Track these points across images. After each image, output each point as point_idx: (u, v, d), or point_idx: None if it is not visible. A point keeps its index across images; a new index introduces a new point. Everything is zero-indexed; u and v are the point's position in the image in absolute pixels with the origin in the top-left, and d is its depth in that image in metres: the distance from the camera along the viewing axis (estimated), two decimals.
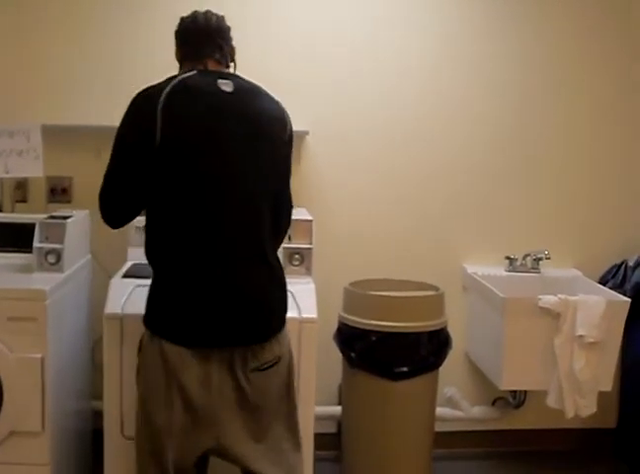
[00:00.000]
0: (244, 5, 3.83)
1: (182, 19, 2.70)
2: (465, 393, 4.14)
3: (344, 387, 3.66)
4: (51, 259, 3.27)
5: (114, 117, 3.63)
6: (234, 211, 2.46)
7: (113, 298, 3.04)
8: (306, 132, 3.81)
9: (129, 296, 3.04)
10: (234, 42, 2.70)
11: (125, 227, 3.62)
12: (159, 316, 2.51)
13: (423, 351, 3.42)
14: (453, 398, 4.05)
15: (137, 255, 3.44)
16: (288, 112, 2.62)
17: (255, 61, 3.65)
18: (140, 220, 3.50)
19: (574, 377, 3.54)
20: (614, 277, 4.07)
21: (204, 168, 2.43)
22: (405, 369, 3.36)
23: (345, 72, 3.95)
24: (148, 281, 3.09)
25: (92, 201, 3.63)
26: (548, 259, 3.96)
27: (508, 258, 4.03)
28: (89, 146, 3.78)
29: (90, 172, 3.72)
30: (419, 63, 3.99)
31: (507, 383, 3.64)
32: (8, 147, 3.58)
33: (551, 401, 3.59)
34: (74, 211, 3.53)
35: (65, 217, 3.37)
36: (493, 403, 4.19)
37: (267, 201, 2.53)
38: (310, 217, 3.47)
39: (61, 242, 3.28)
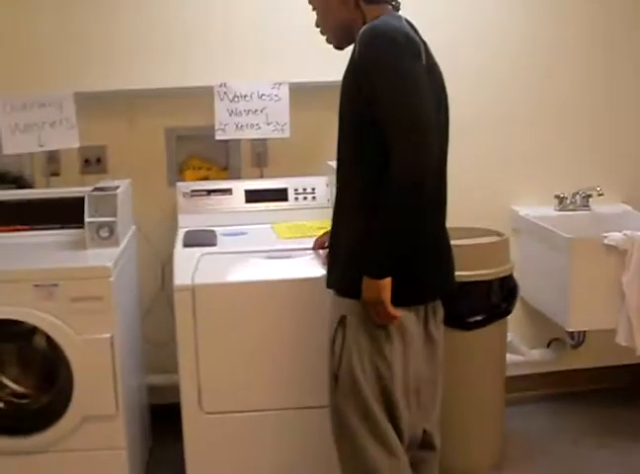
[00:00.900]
0: None
1: None
2: (520, 337, 4.06)
3: None
4: (104, 233, 3.12)
5: (147, 80, 3.55)
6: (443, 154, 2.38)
7: (180, 269, 2.90)
8: None
9: (197, 266, 2.89)
10: None
11: (173, 193, 3.56)
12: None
13: (494, 298, 3.32)
14: (513, 342, 3.96)
15: (187, 222, 3.33)
16: None
17: None
18: (187, 185, 3.42)
19: None
20: None
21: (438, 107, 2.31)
22: (479, 318, 3.26)
23: None
24: (212, 249, 3.01)
25: (129, 170, 3.55)
26: (601, 195, 3.84)
27: (557, 197, 3.92)
28: (121, 112, 3.62)
29: (124, 139, 3.63)
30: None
31: (574, 324, 3.56)
32: (40, 119, 3.41)
33: (620, 339, 3.50)
34: (116, 181, 3.36)
35: (114, 188, 3.20)
36: (548, 345, 4.11)
37: None
38: None
39: (114, 214, 3.13)
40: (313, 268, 2.85)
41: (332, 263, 2.46)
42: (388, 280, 2.24)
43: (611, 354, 3.88)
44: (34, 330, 2.96)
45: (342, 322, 2.35)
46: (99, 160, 3.66)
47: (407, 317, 2.33)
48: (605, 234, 3.44)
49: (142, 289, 3.64)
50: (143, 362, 3.57)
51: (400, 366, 2.35)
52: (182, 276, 2.85)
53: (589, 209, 3.92)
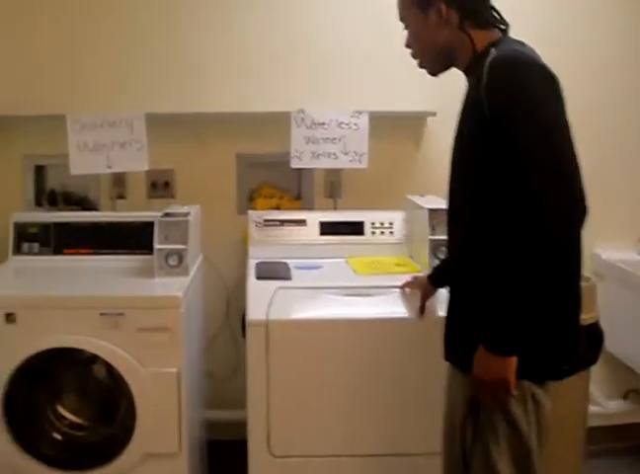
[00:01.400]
0: None
1: None
2: (596, 386, 3.85)
3: None
4: (173, 261, 2.98)
5: (220, 103, 3.42)
6: None
7: (254, 302, 2.73)
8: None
9: (272, 300, 2.73)
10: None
11: (242, 221, 3.42)
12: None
13: (581, 346, 3.12)
14: (592, 393, 3.75)
15: (259, 252, 3.19)
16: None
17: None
18: (259, 214, 3.28)
19: None
20: None
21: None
22: (567, 367, 3.06)
23: None
24: (288, 283, 2.85)
25: (196, 195, 3.42)
26: None
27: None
28: (191, 136, 3.50)
29: (193, 163, 3.52)
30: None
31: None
32: (109, 139, 3.29)
33: None
34: (185, 207, 3.22)
35: (184, 214, 3.06)
36: (625, 396, 3.90)
37: None
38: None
39: (184, 242, 2.99)
40: (395, 307, 2.70)
41: (452, 331, 2.20)
42: (515, 358, 1.95)
43: None
44: (94, 358, 2.83)
45: (473, 404, 2.08)
46: (166, 184, 3.54)
47: (544, 396, 2.09)
48: None
49: (208, 321, 3.49)
50: (204, 397, 3.40)
51: (536, 447, 2.09)
52: (256, 310, 2.69)
53: None
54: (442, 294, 2.56)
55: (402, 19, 2.22)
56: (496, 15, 2.14)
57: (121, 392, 2.81)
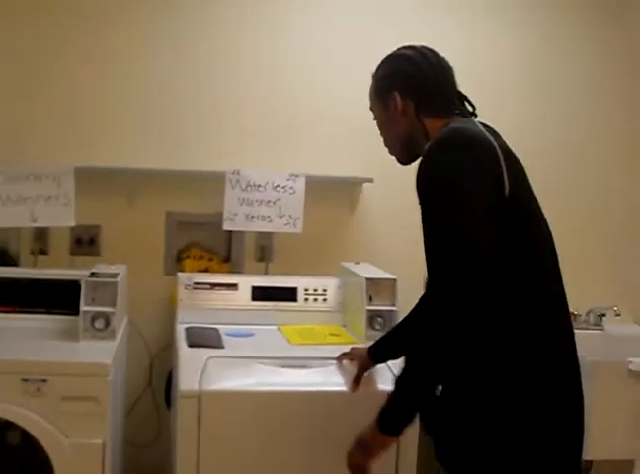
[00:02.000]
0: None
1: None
2: None
3: None
4: (99, 324, 2.85)
5: (149, 159, 3.31)
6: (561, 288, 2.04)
7: (186, 372, 2.61)
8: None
9: (204, 370, 2.61)
10: None
11: (168, 283, 3.31)
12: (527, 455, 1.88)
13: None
14: None
15: (188, 317, 3.07)
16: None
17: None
18: (189, 277, 3.17)
19: None
20: None
21: (542, 230, 2.00)
22: None
23: None
24: (221, 352, 2.74)
25: (122, 254, 3.30)
26: (618, 316, 3.66)
27: (571, 313, 3.72)
28: (120, 192, 3.37)
29: (121, 221, 3.39)
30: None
31: (593, 453, 3.32)
32: (35, 192, 3.15)
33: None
34: (112, 266, 3.09)
35: (113, 275, 2.93)
36: None
37: None
38: (394, 276, 3.09)
39: (112, 305, 2.86)
40: (332, 379, 2.60)
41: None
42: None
43: None
44: (8, 424, 2.67)
45: None
46: (92, 241, 3.40)
47: None
48: (631, 359, 3.25)
49: (128, 386, 3.34)
50: (123, 466, 3.24)
51: None
52: (188, 380, 2.56)
53: (602, 329, 3.73)
54: (381, 368, 2.51)
55: (371, 108, 2.23)
56: (457, 101, 2.13)
57: (40, 464, 2.65)
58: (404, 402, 1.90)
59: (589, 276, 3.81)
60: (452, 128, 1.96)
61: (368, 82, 2.20)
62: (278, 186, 3.29)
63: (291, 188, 3.29)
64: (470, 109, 2.15)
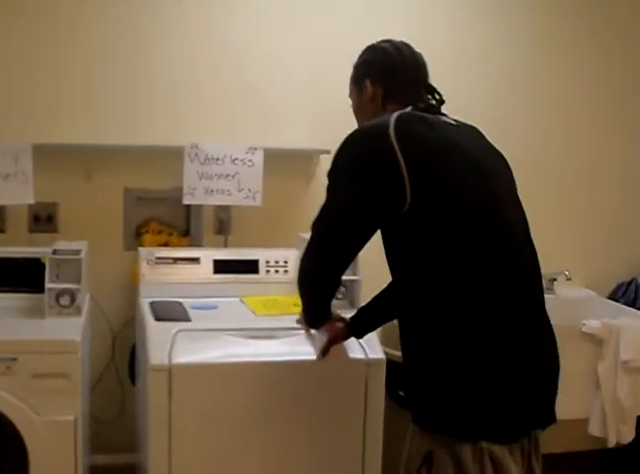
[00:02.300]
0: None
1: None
2: None
3: None
4: (64, 301, 2.85)
5: (106, 135, 3.30)
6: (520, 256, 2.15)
7: (155, 346, 2.64)
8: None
9: (174, 343, 2.64)
10: None
11: (128, 258, 3.32)
12: (472, 411, 1.99)
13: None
14: None
15: (151, 291, 3.09)
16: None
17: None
18: (151, 251, 3.19)
19: (618, 403, 3.38)
20: (625, 295, 3.95)
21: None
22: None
23: None
24: (188, 325, 2.76)
25: (81, 230, 3.29)
26: (569, 280, 3.77)
27: None
28: (78, 169, 3.36)
29: (79, 198, 3.38)
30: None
31: None
32: None
33: (594, 429, 3.41)
34: (72, 243, 3.08)
35: (76, 252, 2.93)
36: None
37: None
38: None
39: (77, 281, 2.86)
40: (300, 348, 2.62)
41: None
42: None
43: (568, 440, 3.81)
44: None
45: (427, 459, 2.03)
46: (49, 218, 3.37)
47: (504, 456, 1.99)
48: (584, 321, 3.36)
49: (94, 365, 3.35)
50: (88, 442, 3.26)
51: None
52: (158, 354, 2.59)
53: (553, 293, 3.84)
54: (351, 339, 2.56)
55: (350, 95, 2.39)
56: (425, 94, 2.25)
57: (9, 442, 2.65)
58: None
59: (541, 243, 3.89)
60: (363, 126, 2.16)
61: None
62: (236, 159, 3.31)
63: (250, 161, 3.31)
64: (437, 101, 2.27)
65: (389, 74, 2.25)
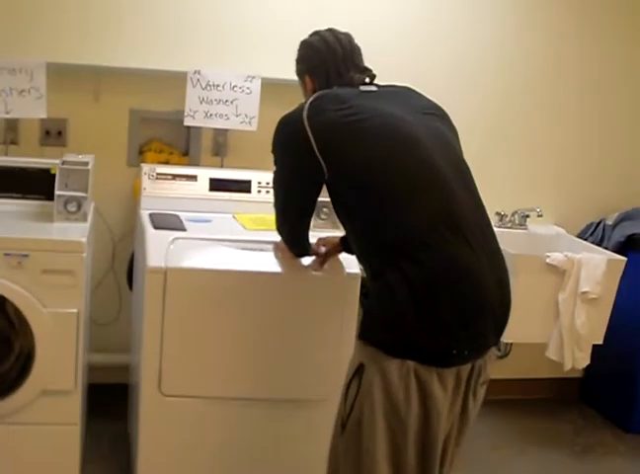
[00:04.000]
0: None
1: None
2: None
3: None
4: (72, 207, 3.11)
5: (115, 58, 3.53)
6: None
7: (153, 251, 2.89)
8: None
9: (170, 249, 2.90)
10: None
11: (131, 173, 3.57)
12: (402, 330, 2.14)
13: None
14: None
15: (151, 204, 3.34)
16: None
17: None
18: (153, 167, 3.43)
19: (574, 331, 3.65)
20: (593, 235, 4.20)
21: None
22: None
23: None
24: (183, 234, 3.02)
25: (87, 145, 3.53)
26: (540, 216, 4.01)
27: (498, 214, 4.08)
28: (88, 88, 3.59)
29: (87, 115, 3.61)
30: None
31: (510, 336, 3.68)
32: (8, 85, 3.35)
33: (551, 353, 3.69)
34: (80, 156, 3.32)
35: (84, 163, 3.18)
36: None
37: None
38: None
39: (85, 190, 3.12)
40: (287, 262, 2.87)
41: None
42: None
43: (534, 366, 4.11)
44: None
45: (359, 370, 2.19)
46: (59, 133, 3.61)
47: (430, 379, 2.13)
48: (548, 254, 3.62)
49: (96, 270, 3.62)
50: (87, 341, 3.53)
51: (416, 429, 2.16)
52: (155, 258, 2.85)
53: (525, 229, 4.10)
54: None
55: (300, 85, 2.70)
56: (353, 73, 2.50)
57: (17, 331, 2.93)
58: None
59: (515, 181, 4.16)
60: (285, 115, 2.47)
61: None
62: (235, 86, 3.55)
63: (248, 88, 3.55)
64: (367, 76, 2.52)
65: (321, 66, 2.54)
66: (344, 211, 2.38)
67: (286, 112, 2.43)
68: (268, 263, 2.91)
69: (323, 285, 2.93)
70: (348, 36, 2.59)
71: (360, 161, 2.26)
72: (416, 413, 2.14)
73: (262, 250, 2.97)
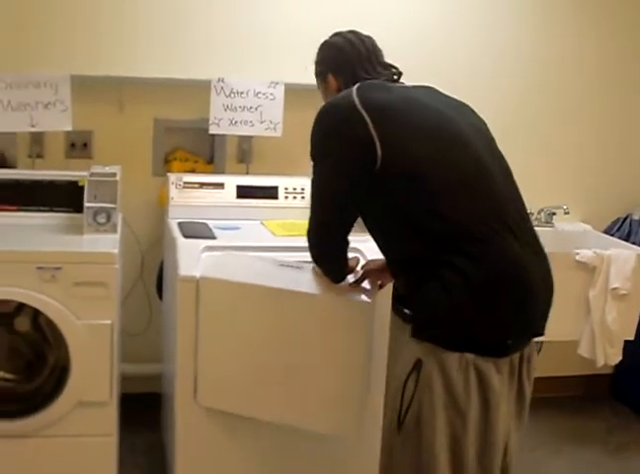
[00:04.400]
0: None
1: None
2: None
3: None
4: (101, 219, 3.12)
5: (139, 68, 3.54)
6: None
7: (184, 260, 2.89)
8: None
9: (201, 258, 2.90)
10: None
11: (157, 183, 3.58)
12: (460, 324, 2.16)
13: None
14: None
15: (178, 213, 3.35)
16: None
17: None
18: (179, 176, 3.44)
19: (606, 327, 3.64)
20: (619, 231, 4.18)
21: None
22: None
23: None
24: (214, 243, 3.01)
25: (113, 157, 3.54)
26: (567, 214, 4.01)
27: None
28: (112, 99, 3.60)
29: (112, 126, 3.62)
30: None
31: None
32: (33, 99, 3.36)
33: (583, 350, 3.69)
34: (107, 168, 3.33)
35: (112, 175, 3.19)
36: None
37: None
38: None
39: (114, 201, 3.13)
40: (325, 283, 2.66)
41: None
42: None
43: (564, 364, 4.09)
44: (16, 313, 2.99)
45: (416, 366, 2.19)
46: (85, 145, 3.62)
47: (488, 370, 2.17)
48: (577, 251, 3.61)
49: (125, 280, 3.63)
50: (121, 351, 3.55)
51: (476, 421, 2.20)
52: (187, 267, 2.84)
53: (552, 226, 4.09)
54: None
55: (318, 87, 2.65)
56: (381, 69, 2.49)
57: (51, 344, 2.96)
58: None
59: (542, 179, 4.15)
60: (329, 101, 2.38)
61: None
62: (259, 93, 3.55)
63: (272, 94, 3.56)
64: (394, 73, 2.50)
65: (346, 64, 2.49)
66: (382, 213, 2.29)
67: (312, 111, 2.35)
68: (303, 282, 2.72)
69: (360, 310, 2.71)
70: (370, 38, 2.56)
71: (417, 147, 2.20)
72: (475, 404, 2.17)
73: (299, 268, 2.80)
